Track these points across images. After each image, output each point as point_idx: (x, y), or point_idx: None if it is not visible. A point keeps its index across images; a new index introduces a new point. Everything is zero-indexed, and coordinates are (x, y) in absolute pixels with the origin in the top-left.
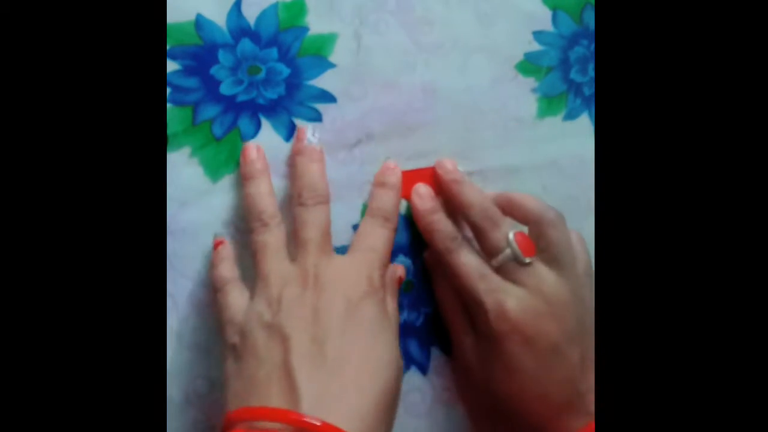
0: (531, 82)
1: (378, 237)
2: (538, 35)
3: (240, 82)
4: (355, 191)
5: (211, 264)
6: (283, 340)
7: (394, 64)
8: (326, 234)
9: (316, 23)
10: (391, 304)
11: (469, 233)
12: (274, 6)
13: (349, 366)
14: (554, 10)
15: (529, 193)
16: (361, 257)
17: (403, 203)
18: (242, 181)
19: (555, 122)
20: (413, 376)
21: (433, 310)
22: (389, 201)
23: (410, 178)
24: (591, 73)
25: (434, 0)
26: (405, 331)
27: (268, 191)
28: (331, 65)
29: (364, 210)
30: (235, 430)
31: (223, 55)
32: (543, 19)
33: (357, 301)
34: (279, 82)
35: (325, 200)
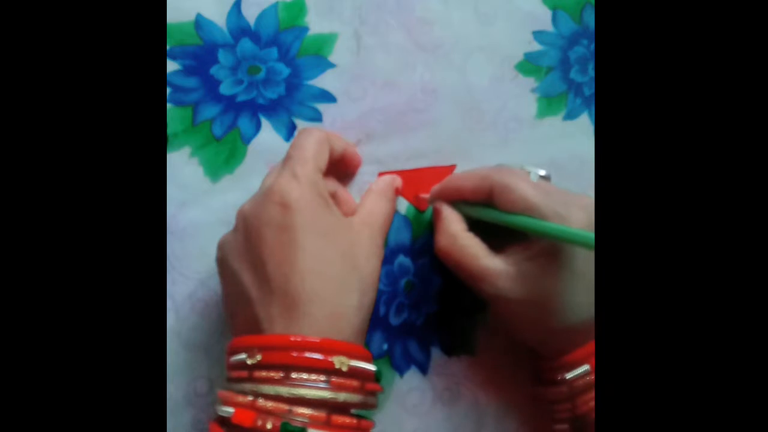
0: (531, 82)
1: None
2: (538, 35)
3: (240, 82)
4: (355, 191)
5: None
6: (234, 273)
7: (394, 64)
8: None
9: (316, 23)
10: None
11: None
12: (274, 6)
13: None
14: (554, 9)
15: None
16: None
17: (403, 203)
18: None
19: (555, 122)
20: (413, 376)
21: (434, 310)
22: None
23: (410, 178)
24: (591, 72)
25: (434, 0)
26: (405, 331)
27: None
28: (331, 65)
29: None
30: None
31: (223, 55)
32: (543, 19)
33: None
34: (279, 82)
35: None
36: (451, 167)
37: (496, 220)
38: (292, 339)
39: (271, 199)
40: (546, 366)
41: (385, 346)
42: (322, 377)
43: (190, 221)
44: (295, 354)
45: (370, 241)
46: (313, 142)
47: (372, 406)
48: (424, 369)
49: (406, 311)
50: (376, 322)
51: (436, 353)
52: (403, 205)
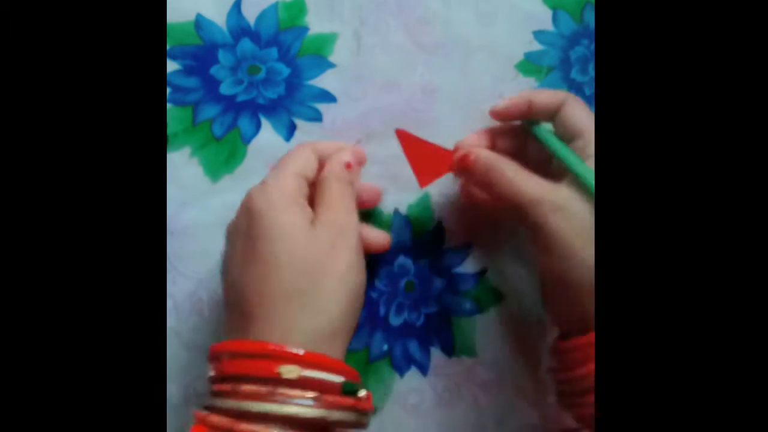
0: (531, 81)
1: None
2: (538, 35)
3: (240, 82)
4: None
5: None
6: (227, 279)
7: (394, 64)
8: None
9: (316, 23)
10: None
11: None
12: (274, 6)
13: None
14: (554, 9)
15: None
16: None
17: (404, 202)
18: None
19: None
20: (413, 376)
21: (434, 310)
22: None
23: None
24: (592, 72)
25: (434, 0)
26: (405, 331)
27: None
28: (331, 65)
29: (364, 211)
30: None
31: (223, 55)
32: (543, 19)
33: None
34: (279, 82)
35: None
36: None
37: (547, 143)
38: (236, 345)
39: (241, 206)
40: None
41: (386, 347)
42: (269, 388)
43: (190, 221)
44: (238, 362)
45: (331, 246)
46: (295, 151)
47: (351, 425)
48: (424, 369)
49: (406, 311)
50: (376, 322)
51: (436, 354)
52: (404, 204)
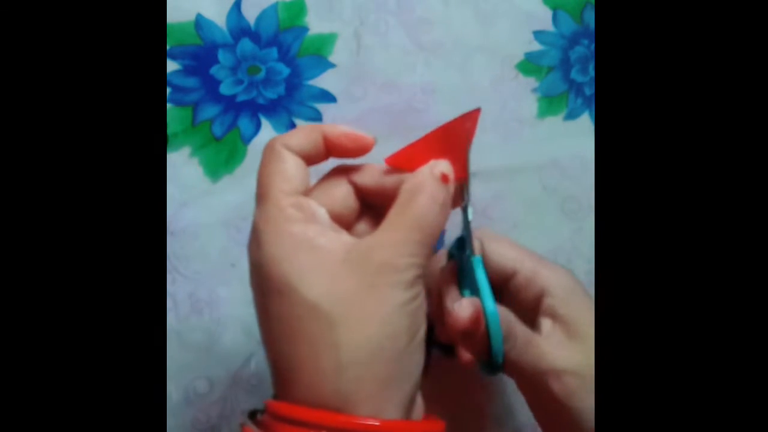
0: (531, 81)
1: None
2: (538, 35)
3: (240, 82)
4: None
5: None
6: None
7: (394, 64)
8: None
9: (316, 23)
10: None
11: None
12: (274, 6)
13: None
14: (555, 9)
15: (529, 192)
16: None
17: None
18: None
19: (556, 122)
20: None
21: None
22: None
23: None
24: (592, 72)
25: (434, 0)
26: None
27: None
28: (331, 65)
29: None
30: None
31: (223, 55)
32: (543, 19)
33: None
34: (279, 82)
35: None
36: (475, 111)
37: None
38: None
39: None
40: None
41: None
42: None
43: (190, 221)
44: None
45: (369, 285)
46: (269, 159)
47: None
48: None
49: None
50: None
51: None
52: None
